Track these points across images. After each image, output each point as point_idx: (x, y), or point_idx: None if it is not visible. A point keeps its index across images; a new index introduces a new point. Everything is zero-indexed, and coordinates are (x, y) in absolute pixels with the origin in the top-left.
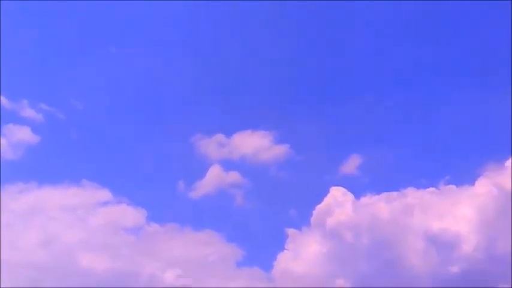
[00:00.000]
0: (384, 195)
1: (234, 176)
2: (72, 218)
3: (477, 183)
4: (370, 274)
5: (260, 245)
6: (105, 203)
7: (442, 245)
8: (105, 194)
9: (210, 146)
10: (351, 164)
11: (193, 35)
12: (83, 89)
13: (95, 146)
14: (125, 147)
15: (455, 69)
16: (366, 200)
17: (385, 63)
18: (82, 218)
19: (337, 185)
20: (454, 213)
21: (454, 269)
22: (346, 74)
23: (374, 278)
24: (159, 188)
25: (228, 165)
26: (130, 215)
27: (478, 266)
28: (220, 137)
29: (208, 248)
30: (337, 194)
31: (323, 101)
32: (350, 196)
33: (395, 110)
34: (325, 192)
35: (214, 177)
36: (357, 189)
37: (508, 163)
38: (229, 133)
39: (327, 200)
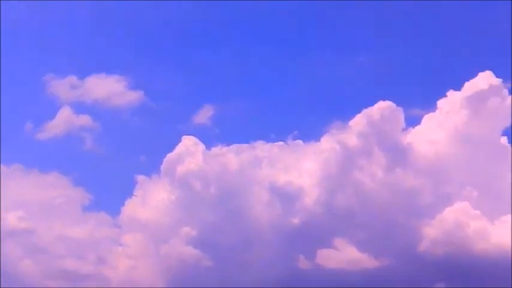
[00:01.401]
0: (234, 146)
1: (84, 120)
2: None
3: (322, 139)
4: (216, 223)
5: (108, 190)
6: None
7: (285, 197)
8: None
9: (62, 87)
10: (204, 115)
11: None
12: None
13: None
14: None
15: (309, 30)
16: (216, 150)
17: (244, 20)
18: None
19: (189, 135)
20: (299, 168)
21: (295, 220)
22: (206, 24)
23: (219, 226)
24: (4, 127)
25: (80, 108)
26: None
27: (317, 219)
28: (72, 78)
29: (54, 191)
30: (188, 143)
31: (180, 51)
32: (201, 146)
33: (250, 64)
34: (177, 141)
35: (64, 120)
36: (208, 139)
37: (352, 122)
38: (82, 75)
39: (178, 148)
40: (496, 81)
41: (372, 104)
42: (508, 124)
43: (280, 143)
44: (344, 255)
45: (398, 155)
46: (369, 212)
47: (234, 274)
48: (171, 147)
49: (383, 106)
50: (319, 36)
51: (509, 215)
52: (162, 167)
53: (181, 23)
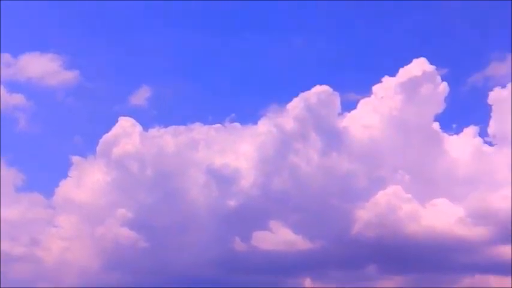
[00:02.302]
0: (171, 128)
1: (18, 99)
2: None
3: (260, 122)
4: (152, 205)
5: (42, 171)
6: None
7: (222, 179)
8: None
9: None
10: (141, 96)
11: None
12: None
13: None
14: None
15: (247, 12)
16: (153, 132)
17: (182, 1)
18: None
19: (126, 116)
20: (236, 150)
21: (232, 202)
22: (142, 5)
23: (155, 208)
24: None
25: (13, 86)
26: None
27: (253, 201)
28: (6, 56)
29: None
30: (125, 125)
31: (116, 31)
32: (138, 127)
33: (189, 45)
34: (113, 122)
35: None
36: (145, 121)
37: (289, 106)
38: (16, 53)
39: (115, 130)
40: (430, 68)
41: (309, 88)
42: (441, 110)
43: (218, 125)
44: (279, 237)
45: (334, 139)
46: (304, 195)
47: (169, 256)
48: (107, 128)
49: (319, 90)
50: (257, 19)
51: (440, 199)
52: (98, 148)
53: (119, 3)
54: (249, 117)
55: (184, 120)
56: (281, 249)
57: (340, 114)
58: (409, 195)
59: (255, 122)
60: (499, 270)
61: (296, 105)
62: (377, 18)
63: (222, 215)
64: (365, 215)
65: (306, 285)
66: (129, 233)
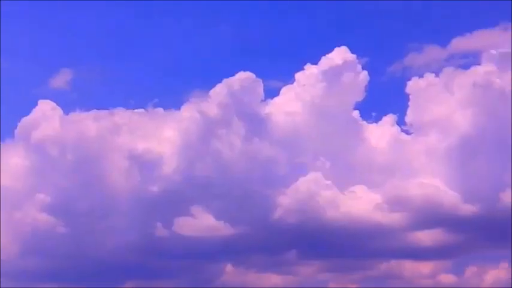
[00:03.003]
0: (93, 112)
1: None
2: None
3: (183, 108)
4: (72, 190)
5: None
6: None
7: (144, 165)
8: None
9: None
10: (61, 79)
11: None
12: None
13: None
14: None
15: None
16: (74, 116)
17: None
18: None
19: (46, 99)
20: (159, 136)
21: (154, 188)
22: None
23: (75, 193)
24: None
25: None
26: None
27: (176, 187)
28: None
29: None
30: (45, 108)
31: (37, 12)
32: (58, 111)
33: (112, 28)
34: (33, 105)
35: None
36: (66, 104)
37: (212, 92)
38: None
39: (34, 113)
40: (351, 56)
41: (232, 75)
42: (361, 99)
43: (141, 110)
44: (201, 223)
45: (257, 126)
46: (227, 181)
47: (89, 241)
48: (26, 112)
49: (243, 77)
50: (182, 4)
51: (358, 186)
52: (17, 132)
53: None
54: (172, 102)
55: (106, 104)
56: (203, 235)
57: (263, 101)
58: (329, 182)
59: (178, 108)
60: (414, 255)
61: (219, 91)
62: (300, 6)
63: (143, 200)
64: (286, 201)
65: (227, 271)
66: (48, 218)
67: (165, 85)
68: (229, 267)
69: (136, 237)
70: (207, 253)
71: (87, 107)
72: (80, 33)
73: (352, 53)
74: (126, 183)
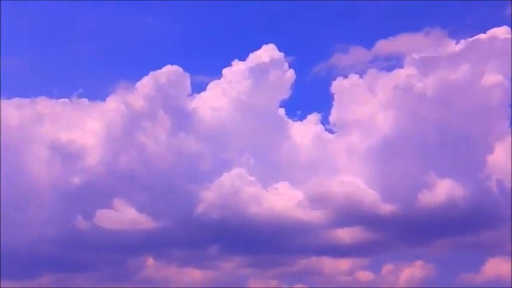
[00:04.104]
0: (15, 100)
1: None
2: None
3: (108, 99)
4: None
5: None
6: None
7: (67, 156)
8: None
9: None
10: None
11: None
12: None
13: None
14: None
15: None
16: None
17: None
18: None
19: None
20: (83, 127)
21: (76, 180)
22: None
23: None
24: None
25: None
26: None
27: (99, 179)
28: None
29: None
30: None
31: None
32: None
33: (35, 15)
34: None
35: None
36: None
37: (138, 84)
38: None
39: None
40: (279, 54)
41: (160, 68)
42: (286, 97)
43: (65, 100)
44: (123, 216)
45: (183, 120)
46: (151, 174)
47: (8, 233)
48: None
49: (170, 70)
50: None
51: (281, 182)
52: None
53: None
54: (97, 93)
55: (28, 93)
56: (124, 228)
57: (190, 95)
58: (253, 178)
59: (104, 99)
60: (333, 252)
61: (146, 84)
62: (230, 2)
63: (65, 192)
64: (209, 196)
65: (148, 264)
66: None
67: (91, 75)
68: (150, 261)
69: (56, 229)
70: (128, 246)
71: (9, 95)
72: (2, 21)
73: (280, 51)
74: (47, 174)
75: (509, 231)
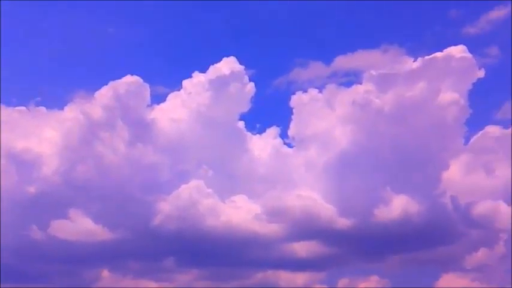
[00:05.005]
0: None
1: None
2: None
3: (66, 108)
4: None
5: None
6: None
7: (22, 164)
8: None
9: None
10: None
11: None
12: None
13: None
14: None
15: None
16: None
17: None
18: None
19: None
20: (40, 135)
21: (31, 189)
22: None
23: None
24: None
25: None
26: None
27: (54, 189)
28: None
29: None
30: None
31: None
32: None
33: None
34: None
35: None
36: None
37: (97, 94)
38: None
39: None
40: (239, 67)
41: (119, 77)
42: (246, 110)
43: (22, 108)
44: (78, 226)
45: (141, 131)
46: (108, 185)
47: None
48: None
49: (129, 80)
50: (71, 4)
51: (239, 195)
52: None
53: None
54: (55, 102)
55: None
56: (80, 238)
57: (149, 106)
58: (210, 190)
59: (61, 108)
60: (290, 266)
61: (105, 93)
62: (191, 14)
63: (19, 201)
64: (166, 208)
65: (104, 276)
66: None
67: (49, 84)
68: (105, 273)
69: (9, 239)
70: (84, 257)
71: None
72: None
73: (240, 64)
74: (2, 183)
75: (463, 247)
